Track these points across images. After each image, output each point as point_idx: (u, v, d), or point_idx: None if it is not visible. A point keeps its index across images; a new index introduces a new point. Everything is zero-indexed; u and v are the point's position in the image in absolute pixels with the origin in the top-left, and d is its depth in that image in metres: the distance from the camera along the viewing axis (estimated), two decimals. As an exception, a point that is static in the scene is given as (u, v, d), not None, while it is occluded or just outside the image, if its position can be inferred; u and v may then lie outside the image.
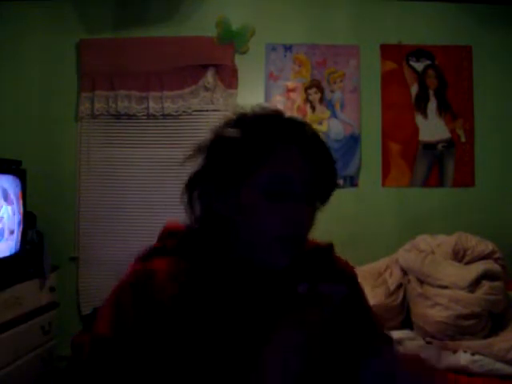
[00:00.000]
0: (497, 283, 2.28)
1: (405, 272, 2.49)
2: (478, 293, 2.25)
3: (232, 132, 0.75)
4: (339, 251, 0.91)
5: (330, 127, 3.03)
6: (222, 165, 0.75)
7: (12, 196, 2.48)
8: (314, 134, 0.76)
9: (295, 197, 0.72)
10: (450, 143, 3.02)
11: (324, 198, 0.79)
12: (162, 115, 3.05)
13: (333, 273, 0.85)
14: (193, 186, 0.79)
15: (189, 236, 0.81)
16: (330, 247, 0.89)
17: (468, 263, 2.43)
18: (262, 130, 0.74)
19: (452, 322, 2.18)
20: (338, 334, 0.76)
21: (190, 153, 0.79)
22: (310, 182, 0.73)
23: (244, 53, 3.06)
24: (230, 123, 0.77)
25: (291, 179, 0.72)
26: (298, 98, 3.04)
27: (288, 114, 0.80)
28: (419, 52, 3.05)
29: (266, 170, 0.72)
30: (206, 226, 0.80)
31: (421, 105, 3.04)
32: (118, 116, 3.07)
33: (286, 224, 0.72)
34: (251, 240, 0.75)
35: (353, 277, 0.90)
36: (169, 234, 0.84)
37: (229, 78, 3.02)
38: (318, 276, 0.79)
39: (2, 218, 2.40)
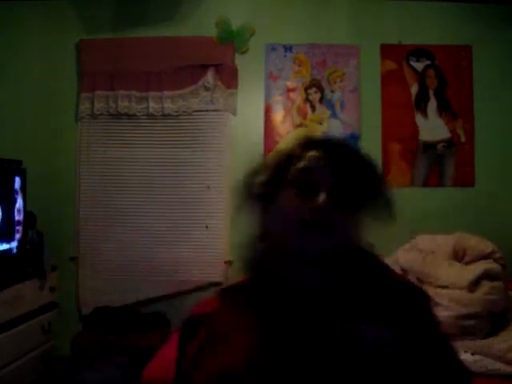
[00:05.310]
0: (497, 283, 2.28)
1: (405, 272, 2.49)
2: (478, 293, 2.25)
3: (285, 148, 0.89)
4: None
5: (329, 127, 3.02)
6: (270, 170, 0.87)
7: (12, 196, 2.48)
8: (339, 142, 0.88)
9: (316, 187, 0.81)
10: (450, 143, 3.02)
11: (352, 202, 0.83)
12: (162, 115, 3.05)
13: (392, 286, 0.83)
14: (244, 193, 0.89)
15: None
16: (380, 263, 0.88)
17: (468, 263, 2.43)
18: (302, 141, 0.88)
19: (452, 321, 2.18)
20: None
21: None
22: (331, 179, 0.82)
23: (244, 53, 3.06)
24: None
25: (311, 171, 0.82)
26: (298, 97, 3.04)
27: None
28: (419, 52, 3.04)
29: (295, 166, 0.84)
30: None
31: (421, 104, 3.04)
32: (118, 116, 3.07)
33: (304, 209, 0.79)
34: (277, 229, 0.82)
35: (423, 297, 0.86)
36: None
37: (229, 77, 3.02)
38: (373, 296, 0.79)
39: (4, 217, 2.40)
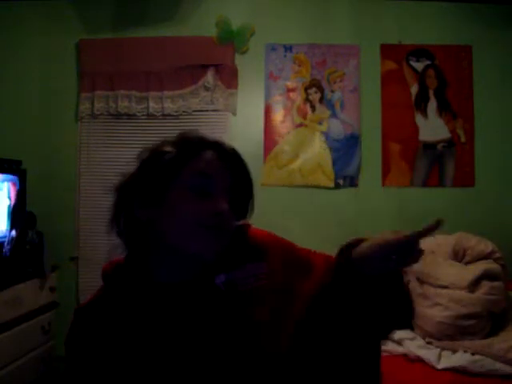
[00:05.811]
0: (497, 283, 2.28)
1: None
2: (478, 293, 2.25)
3: (163, 146, 0.90)
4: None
5: (329, 127, 3.03)
6: (151, 171, 0.88)
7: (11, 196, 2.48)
8: (232, 148, 0.89)
9: (216, 192, 0.83)
10: (450, 143, 3.02)
11: (242, 206, 0.88)
12: (162, 115, 3.05)
13: (246, 253, 0.88)
14: (120, 197, 0.93)
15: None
16: (243, 228, 0.91)
17: (468, 263, 2.43)
18: (189, 141, 0.88)
19: (452, 322, 2.18)
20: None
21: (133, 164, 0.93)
22: (228, 183, 0.85)
23: (244, 53, 3.06)
24: (164, 142, 0.91)
25: (211, 175, 0.83)
26: (298, 97, 3.04)
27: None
28: (419, 52, 3.05)
29: (190, 169, 0.84)
30: (130, 236, 0.93)
31: (421, 105, 3.04)
32: (118, 116, 3.07)
33: (207, 213, 0.80)
34: (175, 231, 0.82)
35: (265, 250, 0.89)
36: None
37: (229, 77, 3.02)
38: (233, 263, 0.86)
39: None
